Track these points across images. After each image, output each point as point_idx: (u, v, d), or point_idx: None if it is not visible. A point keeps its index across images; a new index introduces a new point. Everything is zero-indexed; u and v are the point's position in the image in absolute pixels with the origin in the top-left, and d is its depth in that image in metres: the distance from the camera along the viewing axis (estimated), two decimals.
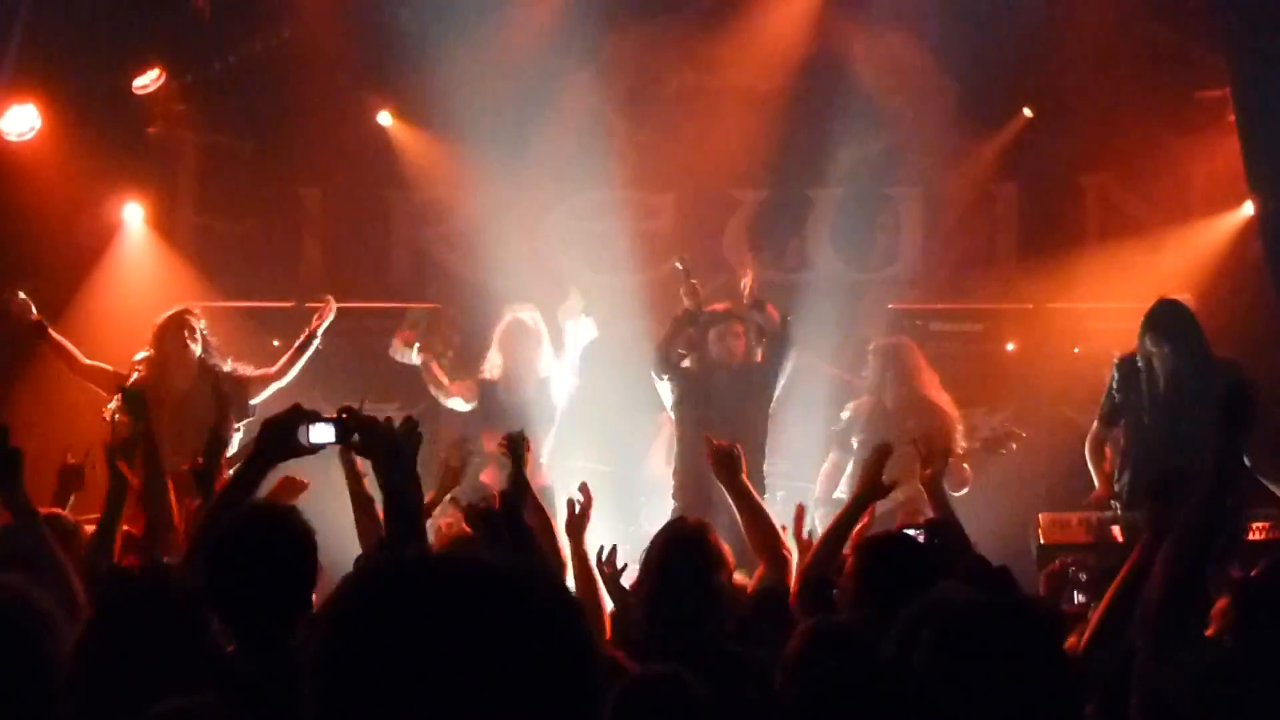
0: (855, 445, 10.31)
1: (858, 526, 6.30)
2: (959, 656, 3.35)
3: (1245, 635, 4.75)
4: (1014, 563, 6.17)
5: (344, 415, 4.73)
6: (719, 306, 10.38)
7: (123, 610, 4.04)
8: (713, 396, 10.07)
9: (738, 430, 9.63)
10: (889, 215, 13.24)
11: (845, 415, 10.56)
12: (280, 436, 4.78)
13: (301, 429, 4.74)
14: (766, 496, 9.83)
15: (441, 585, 1.96)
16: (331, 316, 10.11)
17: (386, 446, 4.62)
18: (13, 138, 10.99)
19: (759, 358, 10.22)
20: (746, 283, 10.26)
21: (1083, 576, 7.84)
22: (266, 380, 9.85)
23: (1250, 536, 8.39)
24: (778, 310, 10.31)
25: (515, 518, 5.34)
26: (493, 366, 10.52)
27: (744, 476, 6.49)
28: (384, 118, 12.94)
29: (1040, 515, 9.26)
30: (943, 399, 10.47)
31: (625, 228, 13.17)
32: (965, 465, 10.50)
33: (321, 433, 4.72)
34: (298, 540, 4.54)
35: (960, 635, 3.41)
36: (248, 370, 9.92)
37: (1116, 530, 8.92)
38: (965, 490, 10.23)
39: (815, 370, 11.32)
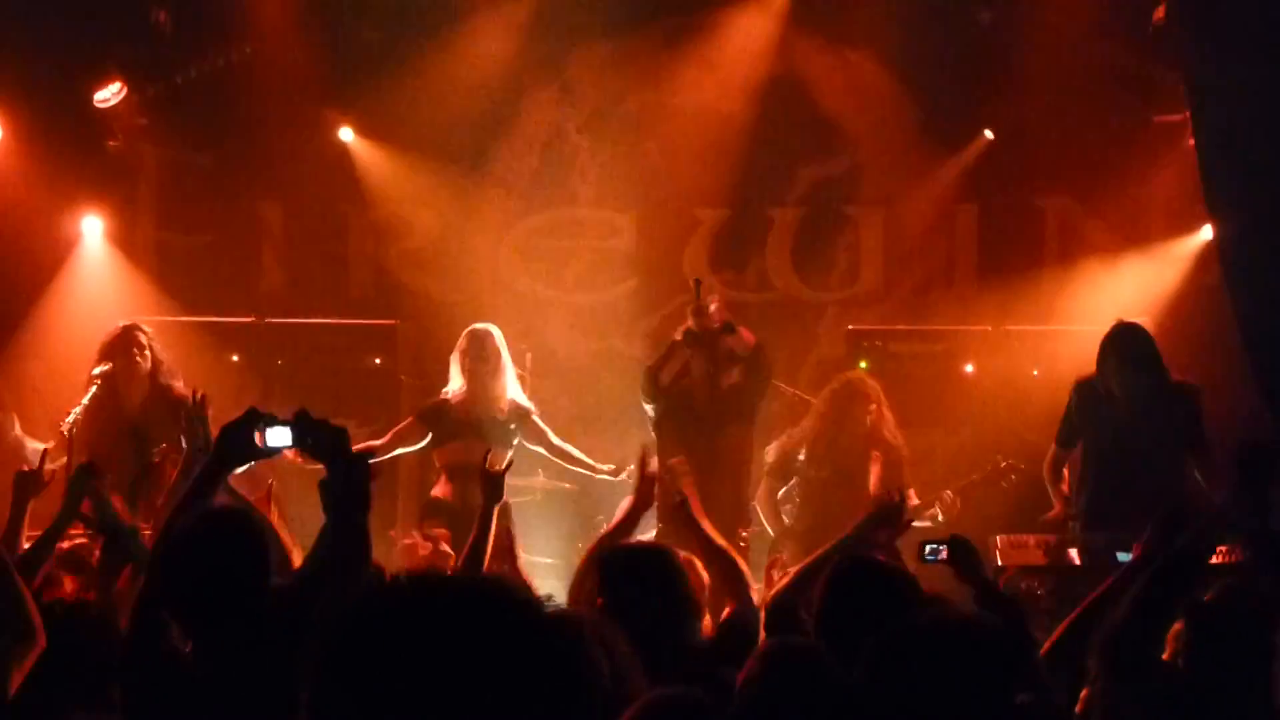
0: (810, 474, 10.22)
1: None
2: (904, 677, 3.35)
3: (1197, 659, 4.78)
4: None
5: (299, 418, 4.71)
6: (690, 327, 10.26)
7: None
8: (694, 417, 9.97)
9: (720, 450, 9.59)
10: (849, 235, 13.26)
11: (776, 451, 10.37)
12: (237, 441, 4.76)
13: (258, 433, 4.72)
14: None
15: (447, 612, 1.96)
16: None
17: (336, 451, 4.61)
18: None
19: (735, 378, 10.12)
20: (714, 309, 10.12)
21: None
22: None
23: (1211, 560, 8.40)
24: (752, 334, 10.22)
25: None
26: (450, 385, 10.06)
27: (703, 519, 6.42)
28: (345, 133, 12.88)
29: (997, 536, 9.24)
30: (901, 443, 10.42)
31: (586, 245, 13.18)
32: (948, 493, 10.53)
33: (278, 436, 4.70)
34: (251, 541, 4.54)
35: (906, 656, 3.41)
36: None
37: (1074, 552, 8.92)
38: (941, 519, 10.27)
39: (775, 390, 11.30)
